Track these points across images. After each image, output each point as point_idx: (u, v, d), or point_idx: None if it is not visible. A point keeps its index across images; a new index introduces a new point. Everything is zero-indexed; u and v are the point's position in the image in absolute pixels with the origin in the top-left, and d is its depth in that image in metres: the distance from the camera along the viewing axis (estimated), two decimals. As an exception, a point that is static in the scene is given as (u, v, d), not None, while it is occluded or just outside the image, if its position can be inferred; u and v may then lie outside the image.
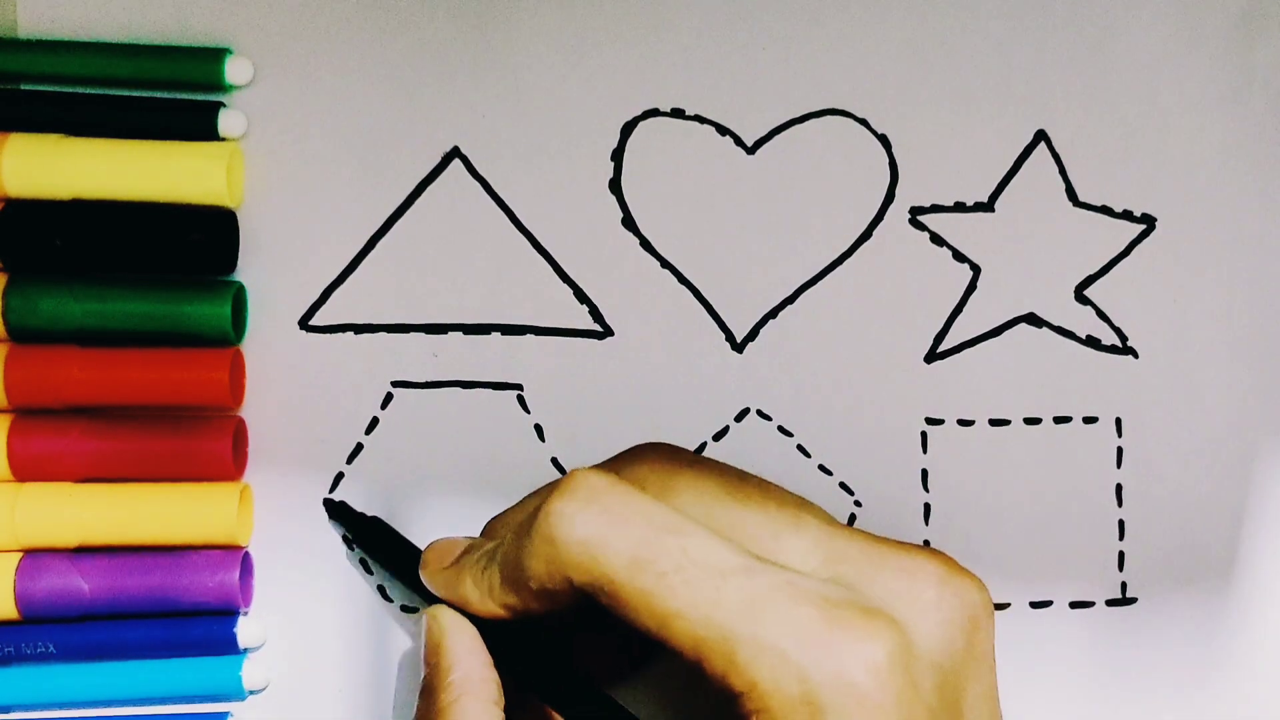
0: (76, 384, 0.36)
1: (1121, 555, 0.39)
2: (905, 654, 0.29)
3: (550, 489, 0.32)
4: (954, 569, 0.32)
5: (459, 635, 0.33)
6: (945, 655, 0.30)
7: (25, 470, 0.36)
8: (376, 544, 0.37)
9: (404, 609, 0.38)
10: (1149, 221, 0.40)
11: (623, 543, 0.30)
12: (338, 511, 0.37)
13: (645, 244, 0.39)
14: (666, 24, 0.39)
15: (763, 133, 0.39)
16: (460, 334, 0.38)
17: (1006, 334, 0.39)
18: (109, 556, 0.36)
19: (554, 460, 0.38)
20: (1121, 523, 0.39)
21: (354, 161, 0.38)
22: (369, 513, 0.37)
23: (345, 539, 0.37)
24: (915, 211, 0.39)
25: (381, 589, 0.37)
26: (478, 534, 0.38)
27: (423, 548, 0.35)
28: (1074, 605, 0.39)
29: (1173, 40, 0.40)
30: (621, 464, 0.34)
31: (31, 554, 0.36)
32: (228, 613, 0.36)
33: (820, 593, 0.29)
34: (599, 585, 0.30)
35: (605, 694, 0.33)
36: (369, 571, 0.37)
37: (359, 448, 0.38)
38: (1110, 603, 0.39)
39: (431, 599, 0.34)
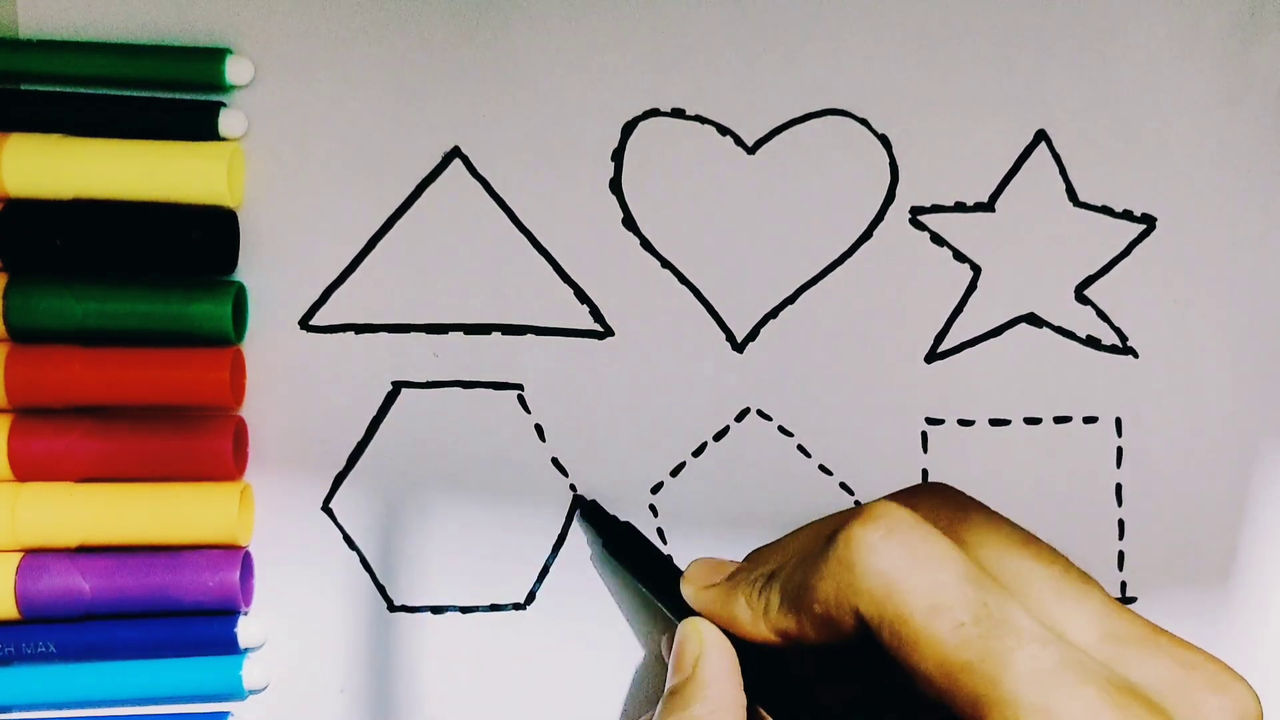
0: (77, 384, 0.35)
1: (1121, 555, 0.39)
2: None
3: (846, 515, 0.32)
4: (1231, 674, 0.31)
5: (719, 653, 0.33)
6: None
7: (26, 470, 0.36)
8: (625, 549, 0.37)
9: (404, 609, 0.38)
10: (1149, 221, 0.40)
11: (923, 584, 0.29)
12: (589, 512, 0.37)
13: (646, 244, 0.39)
14: (667, 24, 0.39)
15: (763, 133, 0.39)
16: (461, 334, 0.38)
17: (1007, 334, 0.39)
18: (109, 556, 0.36)
19: (554, 460, 0.38)
20: (1121, 522, 0.39)
21: (354, 161, 0.38)
22: (374, 513, 0.37)
23: (594, 535, 0.38)
24: (916, 211, 0.39)
25: (382, 589, 0.37)
26: (476, 536, 0.38)
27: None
28: (1074, 605, 0.39)
29: (1172, 41, 0.40)
30: (906, 498, 0.33)
31: (32, 554, 0.36)
32: (228, 612, 0.36)
33: (1108, 678, 0.29)
34: (888, 622, 0.29)
35: None
36: (367, 570, 0.37)
37: (359, 448, 0.38)
38: (1110, 602, 0.39)
39: (680, 613, 0.34)
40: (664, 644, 0.37)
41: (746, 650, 0.33)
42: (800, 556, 0.32)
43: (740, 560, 0.35)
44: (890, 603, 0.30)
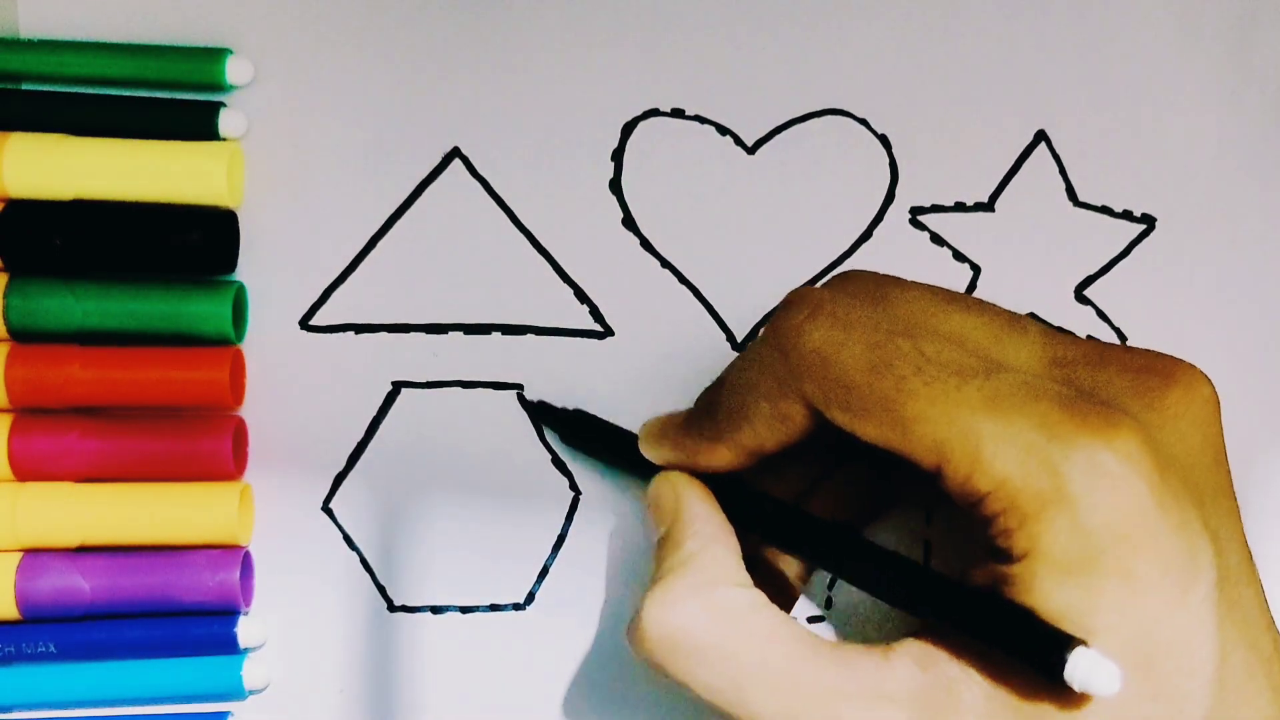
0: (77, 384, 0.36)
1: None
2: (1150, 445, 0.28)
3: (771, 313, 0.31)
4: (1180, 364, 0.31)
5: (693, 492, 0.33)
6: (1183, 449, 0.30)
7: (26, 470, 0.36)
8: (582, 435, 0.37)
9: (404, 609, 0.38)
10: (1149, 221, 0.40)
11: (858, 346, 0.29)
12: (538, 411, 0.38)
13: (645, 244, 0.39)
14: (666, 24, 0.39)
15: (763, 133, 0.39)
16: (461, 334, 0.38)
17: (1006, 334, 0.39)
18: (109, 556, 0.36)
19: (554, 460, 0.38)
20: (1121, 523, 0.39)
21: (354, 161, 0.38)
22: (374, 514, 0.37)
23: (538, 428, 0.38)
24: (915, 211, 0.39)
25: (382, 589, 0.38)
26: (476, 536, 0.38)
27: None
28: (1074, 605, 0.39)
29: (1172, 40, 0.40)
30: (829, 284, 0.34)
31: (32, 554, 0.36)
32: (228, 612, 0.36)
33: (1060, 391, 0.29)
34: (834, 395, 0.29)
35: (845, 525, 0.32)
36: (367, 570, 0.37)
37: (359, 448, 0.38)
38: (1110, 602, 0.39)
39: (648, 474, 0.35)
40: (645, 516, 0.37)
41: (721, 485, 0.33)
42: (738, 363, 0.32)
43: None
44: (830, 377, 0.29)
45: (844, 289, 0.33)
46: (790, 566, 0.36)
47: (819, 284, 0.34)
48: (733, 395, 0.32)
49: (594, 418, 0.37)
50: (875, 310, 0.31)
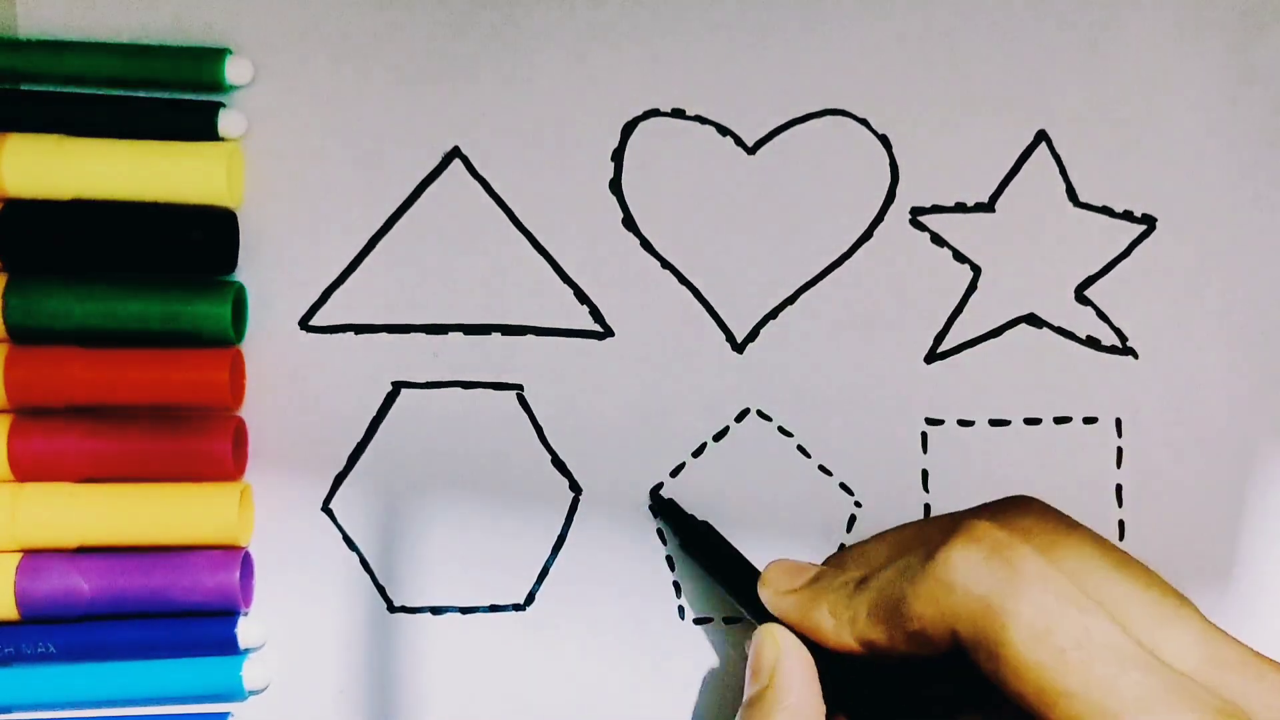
0: (77, 384, 0.35)
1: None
2: None
3: (942, 529, 0.31)
4: None
5: (796, 661, 0.33)
6: None
7: (25, 470, 0.36)
8: (703, 548, 0.37)
9: (404, 610, 0.38)
10: (1149, 222, 0.40)
11: (1025, 608, 0.29)
12: (665, 509, 0.37)
13: (646, 244, 0.39)
14: (666, 24, 0.39)
15: (763, 133, 0.39)
16: (461, 334, 0.38)
17: (1007, 334, 0.39)
18: (109, 557, 0.36)
19: (554, 460, 0.38)
20: (1121, 523, 0.39)
21: (354, 161, 0.38)
22: (374, 514, 0.37)
23: (660, 533, 0.38)
24: (916, 212, 0.39)
25: (382, 590, 0.37)
26: (476, 536, 0.38)
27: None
28: (1074, 605, 0.39)
29: (1173, 40, 0.40)
30: (1001, 514, 0.33)
31: (32, 554, 0.36)
32: (228, 613, 0.36)
33: (1215, 705, 0.28)
34: (987, 646, 0.29)
35: None
36: (367, 571, 0.37)
37: (359, 448, 0.38)
38: (1110, 603, 0.39)
39: (759, 616, 0.34)
40: (747, 646, 0.36)
41: (825, 657, 0.33)
42: (894, 570, 0.32)
43: (818, 564, 0.35)
44: (990, 627, 0.29)
45: (1017, 525, 0.32)
46: None
47: (993, 507, 0.34)
48: (881, 596, 0.32)
49: (721, 537, 0.37)
50: (1055, 570, 0.30)
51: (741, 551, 0.36)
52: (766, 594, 0.34)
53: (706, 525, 0.37)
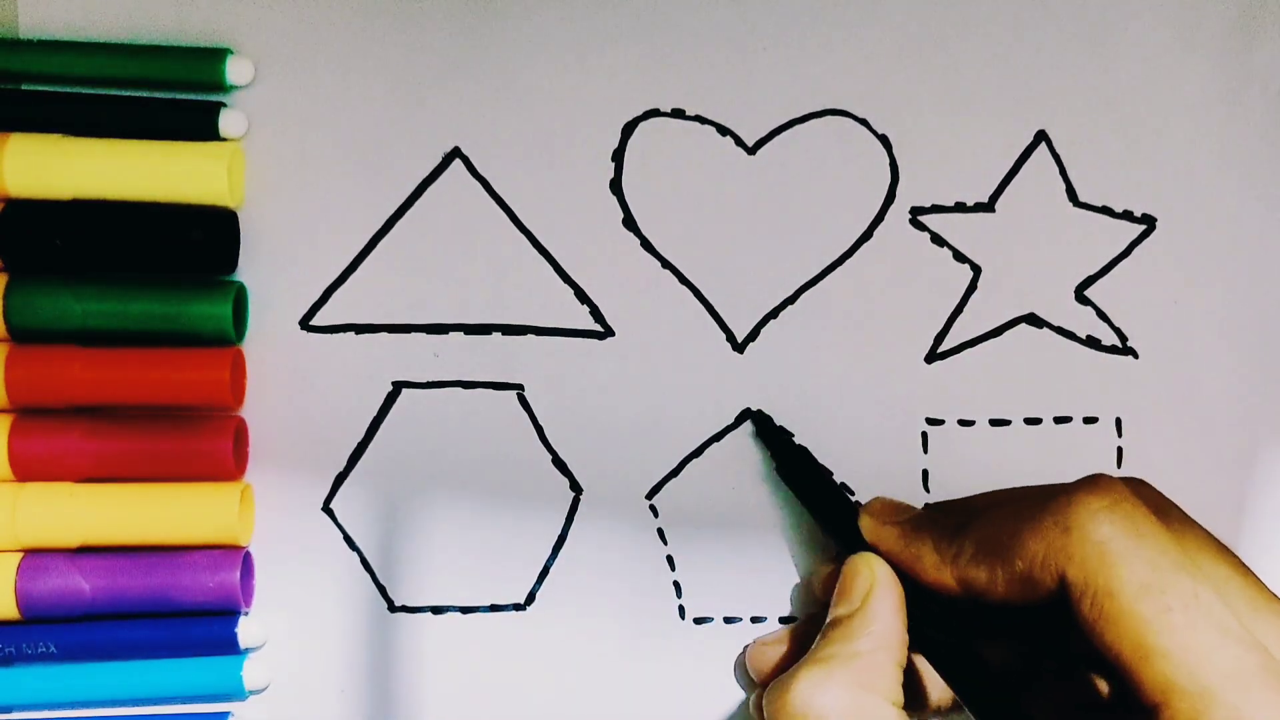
0: (77, 384, 0.35)
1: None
2: None
3: (1047, 492, 0.31)
4: None
5: (890, 590, 0.33)
6: None
7: (26, 470, 0.36)
8: (799, 474, 0.37)
9: (404, 609, 0.38)
10: (1149, 222, 0.40)
11: (1140, 561, 0.29)
12: (762, 426, 0.38)
13: (646, 244, 0.39)
14: (666, 24, 0.39)
15: (763, 133, 0.39)
16: (461, 334, 0.38)
17: (1007, 334, 0.39)
18: (110, 556, 0.36)
19: (554, 460, 0.38)
20: (1121, 523, 0.39)
21: (355, 161, 0.38)
22: (374, 514, 0.37)
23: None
24: (916, 212, 0.39)
25: (382, 590, 0.37)
26: (476, 536, 0.38)
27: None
28: (1074, 605, 0.39)
29: (1172, 41, 0.40)
30: (1127, 482, 0.33)
31: (32, 554, 0.36)
32: (228, 613, 0.36)
33: None
34: (1094, 592, 0.29)
35: (1016, 699, 0.32)
36: (368, 571, 0.37)
37: (360, 448, 0.38)
38: (1110, 603, 0.39)
39: (852, 545, 0.35)
40: (816, 579, 0.37)
41: (916, 593, 0.33)
42: (1006, 511, 0.32)
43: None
44: (1102, 573, 0.29)
45: (1140, 493, 0.32)
46: (935, 691, 0.35)
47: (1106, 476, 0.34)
48: (990, 534, 0.32)
49: (818, 463, 0.37)
50: (1171, 534, 0.30)
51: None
52: (869, 523, 0.35)
53: (804, 450, 0.37)
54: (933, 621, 0.33)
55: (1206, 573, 0.31)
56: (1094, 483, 0.31)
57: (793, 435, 0.38)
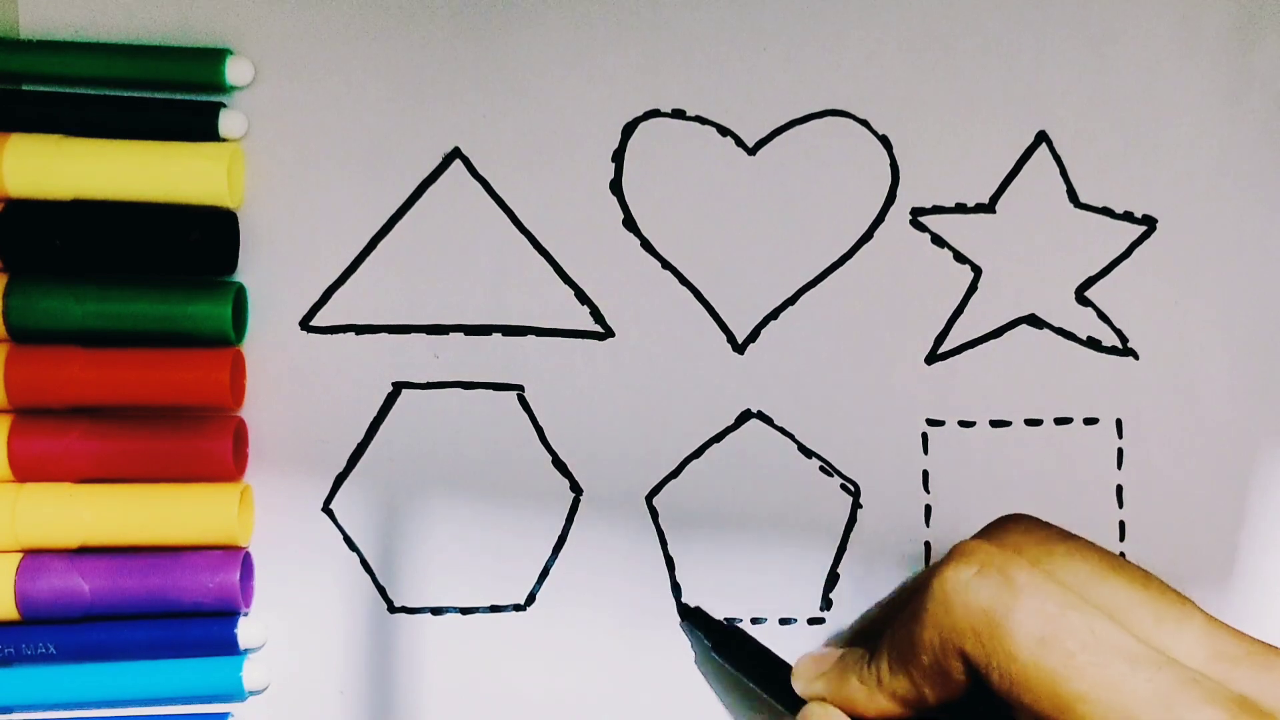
0: (77, 384, 0.35)
1: (1122, 555, 0.39)
2: None
3: (934, 565, 0.31)
4: None
5: None
6: None
7: (26, 471, 0.36)
8: (736, 651, 0.37)
9: (404, 610, 0.38)
10: (1149, 223, 0.40)
11: (1027, 616, 0.29)
12: (693, 615, 0.38)
13: (646, 245, 0.39)
14: (667, 24, 0.39)
15: (764, 133, 0.39)
16: (461, 334, 0.38)
17: (1007, 335, 0.39)
18: (109, 557, 0.36)
19: (554, 460, 0.38)
20: (1122, 524, 0.39)
21: (355, 162, 0.38)
22: (374, 514, 0.37)
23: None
24: (916, 212, 0.39)
25: (382, 590, 0.37)
26: (476, 536, 0.38)
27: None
28: (1074, 606, 0.39)
29: (1172, 42, 0.40)
30: (990, 534, 0.33)
31: (32, 554, 0.36)
32: (228, 613, 0.36)
33: (1229, 695, 0.28)
34: (996, 661, 0.29)
35: None
36: (367, 571, 0.37)
37: (360, 448, 0.38)
38: (1110, 604, 0.39)
39: (795, 706, 0.35)
40: None
41: None
42: (901, 616, 0.32)
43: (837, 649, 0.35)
44: (995, 639, 0.29)
45: (1008, 541, 0.32)
46: None
47: (984, 531, 0.34)
48: (893, 644, 0.32)
49: (750, 638, 0.37)
50: (1049, 577, 0.30)
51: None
52: (800, 683, 0.35)
53: (736, 628, 0.37)
54: None
55: (1100, 598, 0.31)
56: (959, 552, 0.31)
57: (722, 620, 0.38)
